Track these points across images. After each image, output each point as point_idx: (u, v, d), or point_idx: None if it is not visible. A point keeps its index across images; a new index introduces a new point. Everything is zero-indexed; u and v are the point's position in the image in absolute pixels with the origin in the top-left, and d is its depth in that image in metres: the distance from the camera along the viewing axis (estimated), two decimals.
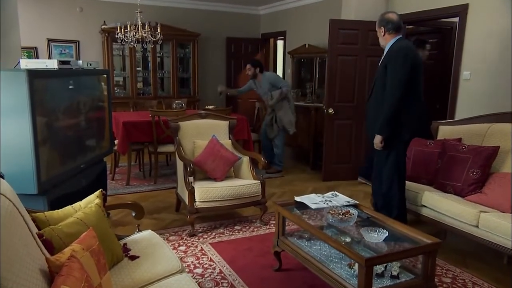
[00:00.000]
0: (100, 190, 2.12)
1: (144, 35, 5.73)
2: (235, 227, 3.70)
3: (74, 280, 1.36)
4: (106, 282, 1.65)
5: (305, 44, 6.98)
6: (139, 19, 5.67)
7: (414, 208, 3.41)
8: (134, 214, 2.40)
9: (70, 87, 2.97)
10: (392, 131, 3.11)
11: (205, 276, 2.79)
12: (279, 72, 8.54)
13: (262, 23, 8.64)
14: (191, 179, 3.53)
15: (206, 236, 3.47)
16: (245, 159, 3.91)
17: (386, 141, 3.15)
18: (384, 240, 2.32)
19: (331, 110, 5.13)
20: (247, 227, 3.71)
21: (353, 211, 2.60)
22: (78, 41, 7.09)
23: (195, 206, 3.42)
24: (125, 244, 2.15)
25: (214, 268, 2.90)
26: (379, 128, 3.10)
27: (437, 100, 5.82)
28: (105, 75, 3.62)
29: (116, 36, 5.85)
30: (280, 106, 5.49)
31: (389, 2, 5.26)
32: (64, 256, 1.49)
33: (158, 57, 7.53)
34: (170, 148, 4.84)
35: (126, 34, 5.68)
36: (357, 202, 2.87)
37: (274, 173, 5.61)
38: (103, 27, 6.88)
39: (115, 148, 4.71)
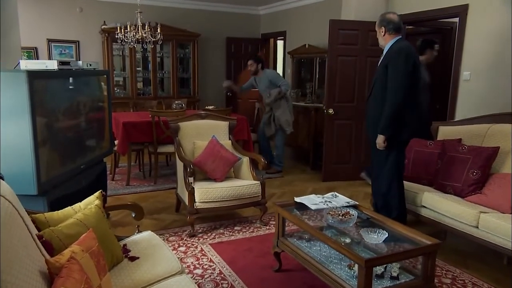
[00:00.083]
0: (100, 191, 2.12)
1: (144, 35, 5.73)
2: (235, 228, 3.70)
3: (73, 281, 1.36)
4: (106, 284, 1.65)
5: (305, 44, 6.98)
6: (139, 19, 5.66)
7: (414, 208, 3.41)
8: (134, 215, 2.40)
9: (70, 87, 2.97)
10: (394, 131, 3.12)
11: (205, 276, 2.79)
12: (279, 72, 8.54)
13: (262, 23, 8.64)
14: (191, 179, 3.53)
15: (206, 237, 3.47)
16: (245, 160, 3.91)
17: (387, 141, 3.15)
18: (384, 241, 2.32)
19: (331, 111, 5.13)
20: (247, 228, 3.71)
21: (353, 212, 2.60)
22: (78, 41, 7.09)
23: (195, 207, 3.42)
24: (125, 245, 2.15)
25: (214, 269, 2.90)
26: (382, 128, 3.11)
27: (437, 100, 5.82)
28: (105, 76, 3.61)
29: (116, 36, 5.85)
30: (278, 105, 5.49)
31: (389, 2, 5.26)
32: (64, 257, 1.49)
33: (158, 57, 7.54)
34: (170, 148, 4.84)
35: (126, 35, 5.68)
36: (357, 203, 2.87)
37: (274, 174, 5.61)
38: (103, 27, 6.88)
39: (115, 148, 4.71)
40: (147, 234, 2.32)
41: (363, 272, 2.00)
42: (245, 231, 3.63)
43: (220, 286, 2.68)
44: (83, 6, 7.02)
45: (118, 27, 5.77)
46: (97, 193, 2.10)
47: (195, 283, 2.68)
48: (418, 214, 3.40)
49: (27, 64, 2.65)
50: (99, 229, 1.87)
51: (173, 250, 3.18)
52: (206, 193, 3.42)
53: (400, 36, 3.22)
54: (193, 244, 3.31)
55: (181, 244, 3.31)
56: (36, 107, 2.42)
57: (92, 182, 3.28)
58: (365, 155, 5.21)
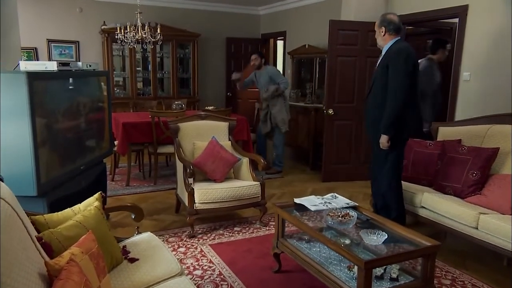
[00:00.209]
0: (99, 192, 2.12)
1: (144, 35, 5.72)
2: (235, 229, 3.70)
3: (73, 284, 1.36)
4: (105, 285, 1.65)
5: (305, 45, 6.97)
6: (139, 19, 5.66)
7: (413, 209, 3.41)
8: (133, 217, 2.40)
9: (70, 88, 2.97)
10: (396, 131, 3.13)
11: (205, 277, 2.79)
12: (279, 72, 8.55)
13: (262, 24, 8.64)
14: (190, 180, 3.53)
15: (206, 238, 3.47)
16: (245, 160, 3.91)
17: (390, 141, 3.16)
18: (384, 242, 2.32)
19: (331, 111, 5.14)
20: (247, 229, 3.71)
21: (353, 213, 2.60)
22: (78, 42, 7.09)
23: (194, 208, 3.42)
24: (124, 246, 2.15)
25: (214, 270, 2.90)
26: (385, 128, 3.12)
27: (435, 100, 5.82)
28: (105, 76, 3.61)
29: (116, 36, 5.85)
30: (275, 103, 5.49)
31: (388, 3, 5.26)
32: (63, 259, 1.49)
33: (158, 57, 7.54)
34: (170, 149, 4.84)
35: (126, 35, 5.67)
36: (357, 204, 2.87)
37: (274, 174, 5.61)
38: (103, 27, 6.88)
39: (115, 149, 4.71)
40: (146, 236, 2.32)
41: (362, 274, 2.00)
42: (245, 232, 3.63)
43: (220, 287, 2.68)
44: (83, 7, 7.02)
45: (118, 28, 5.77)
46: (96, 195, 2.10)
47: (195, 284, 2.68)
48: (418, 215, 3.39)
49: (26, 65, 2.65)
50: (98, 231, 1.87)
51: (172, 251, 3.18)
52: (205, 194, 3.42)
53: (399, 37, 3.24)
54: (192, 245, 3.31)
55: (181, 245, 3.31)
56: (35, 108, 2.43)
57: (92, 183, 3.28)
58: (365, 155, 5.22)
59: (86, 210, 1.97)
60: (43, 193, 2.55)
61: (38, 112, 2.46)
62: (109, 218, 3.67)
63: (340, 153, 5.32)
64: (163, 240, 3.30)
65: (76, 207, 2.03)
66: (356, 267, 2.15)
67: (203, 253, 3.17)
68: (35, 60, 6.74)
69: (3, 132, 2.41)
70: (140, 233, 2.38)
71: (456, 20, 4.58)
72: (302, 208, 2.82)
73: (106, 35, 6.82)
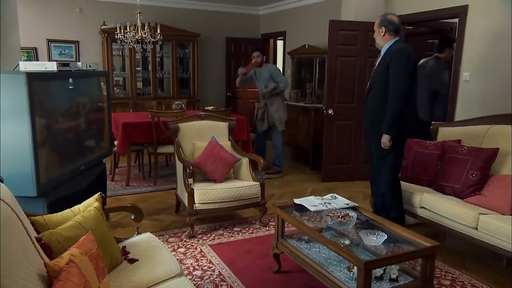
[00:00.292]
0: (99, 193, 2.12)
1: (144, 35, 5.72)
2: (235, 229, 3.70)
3: (72, 285, 1.36)
4: (105, 286, 1.65)
5: (305, 45, 6.97)
6: (138, 19, 5.66)
7: (413, 209, 3.41)
8: (133, 217, 2.40)
9: (70, 88, 2.97)
10: (397, 130, 3.15)
11: (204, 278, 2.79)
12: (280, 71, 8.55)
13: (262, 23, 8.64)
14: (190, 180, 3.53)
15: (206, 238, 3.47)
16: (245, 161, 3.91)
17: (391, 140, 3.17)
18: (383, 242, 2.32)
19: (331, 111, 5.14)
20: (247, 229, 3.71)
21: (352, 213, 2.60)
22: (78, 42, 7.09)
23: (194, 208, 3.42)
24: (124, 247, 2.15)
25: (213, 270, 2.90)
26: (387, 128, 3.13)
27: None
28: (105, 76, 3.61)
29: (116, 36, 5.85)
30: (273, 101, 5.50)
31: (388, 3, 5.26)
32: (63, 260, 1.49)
33: (158, 57, 7.54)
34: (169, 149, 4.84)
35: (125, 35, 5.67)
36: (356, 205, 2.87)
37: (273, 174, 5.61)
38: (102, 27, 6.88)
39: (115, 149, 4.72)
40: (146, 236, 2.32)
41: (362, 275, 2.00)
42: (245, 232, 3.63)
43: (219, 287, 2.68)
44: (83, 6, 7.02)
45: (117, 28, 5.76)
46: (96, 195, 2.09)
47: (195, 284, 2.69)
48: (417, 215, 3.39)
49: (26, 66, 2.65)
50: (98, 232, 1.87)
51: (172, 251, 3.18)
52: (205, 194, 3.42)
53: (398, 38, 3.25)
54: (192, 245, 3.31)
55: (181, 245, 3.31)
56: (35, 109, 2.43)
57: (92, 183, 3.28)
58: (365, 155, 5.21)
59: (85, 211, 1.97)
60: (43, 193, 2.55)
61: (37, 112, 2.47)
62: (109, 218, 3.67)
63: (340, 153, 5.32)
64: (162, 241, 3.31)
65: (76, 207, 2.03)
66: (355, 267, 2.15)
67: (202, 253, 3.17)
68: (35, 60, 6.74)
69: (2, 132, 2.41)
70: (140, 233, 2.38)
71: (456, 20, 4.58)
72: (301, 208, 2.82)
73: (106, 35, 6.82)
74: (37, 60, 6.77)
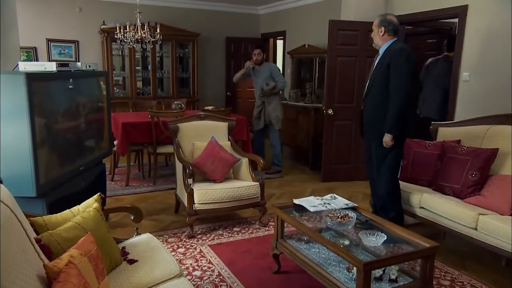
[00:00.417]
0: (98, 194, 2.11)
1: (144, 35, 5.72)
2: (234, 229, 3.70)
3: (71, 286, 1.36)
4: (105, 287, 1.65)
5: (305, 44, 6.97)
6: (138, 19, 5.66)
7: (413, 209, 3.41)
8: (132, 218, 2.40)
9: (69, 89, 2.96)
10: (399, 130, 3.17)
11: (204, 278, 2.79)
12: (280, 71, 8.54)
13: (261, 23, 8.64)
14: (190, 181, 3.53)
15: (205, 238, 3.47)
16: (244, 161, 3.91)
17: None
18: (383, 243, 2.32)
19: (330, 111, 5.13)
20: (246, 229, 3.71)
21: (352, 214, 2.60)
22: (78, 41, 7.09)
23: (194, 208, 3.42)
24: (123, 247, 2.15)
25: (213, 271, 2.90)
26: (389, 127, 3.13)
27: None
28: (104, 76, 3.60)
29: (116, 36, 5.85)
30: (270, 100, 5.50)
31: (388, 3, 5.26)
32: (62, 262, 1.49)
33: (158, 57, 7.53)
34: (169, 149, 4.83)
35: (125, 35, 5.67)
36: (356, 205, 2.87)
37: (273, 174, 5.61)
38: (102, 27, 6.88)
39: (115, 149, 4.71)
40: (146, 237, 2.32)
41: (361, 275, 2.00)
42: (244, 232, 3.63)
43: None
44: (83, 6, 7.02)
45: (117, 27, 5.76)
46: (95, 196, 2.09)
47: (194, 285, 2.69)
48: (417, 215, 3.39)
49: (25, 66, 2.64)
50: (97, 232, 1.87)
51: (172, 251, 3.18)
52: (205, 194, 3.42)
53: (397, 38, 3.26)
54: (192, 246, 3.31)
55: (180, 246, 3.31)
56: (34, 109, 2.43)
57: (91, 183, 3.28)
58: (365, 155, 5.21)
59: (85, 212, 1.97)
60: (42, 194, 2.55)
61: (37, 112, 2.46)
62: (109, 218, 3.67)
63: (340, 153, 5.32)
64: (162, 241, 3.31)
65: (75, 208, 2.03)
66: (355, 268, 2.15)
67: (202, 253, 3.17)
68: (34, 60, 6.74)
69: (2, 133, 2.41)
70: (140, 234, 2.38)
71: (456, 20, 4.58)
72: (301, 208, 2.82)
73: (105, 34, 6.82)
74: (37, 60, 6.77)
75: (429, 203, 3.24)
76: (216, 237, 3.50)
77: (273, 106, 5.50)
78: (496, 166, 3.21)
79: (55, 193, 2.72)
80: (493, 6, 4.08)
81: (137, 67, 7.40)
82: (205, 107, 5.76)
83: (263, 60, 5.58)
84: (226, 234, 3.58)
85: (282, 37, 8.06)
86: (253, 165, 3.93)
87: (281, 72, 7.95)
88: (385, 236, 2.34)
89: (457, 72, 4.45)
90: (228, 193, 3.48)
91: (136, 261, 2.04)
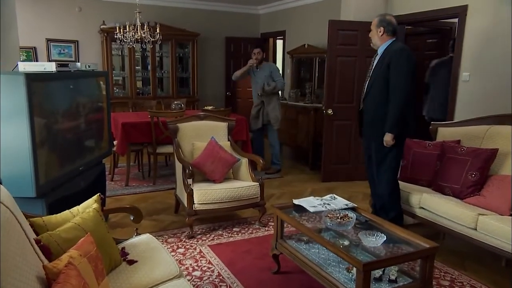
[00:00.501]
0: (98, 194, 2.11)
1: (143, 35, 5.72)
2: (234, 229, 3.70)
3: (71, 287, 1.36)
4: None
5: (305, 44, 6.97)
6: (138, 19, 5.65)
7: (412, 209, 3.41)
8: (132, 218, 2.40)
9: (69, 89, 2.96)
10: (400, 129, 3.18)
11: (204, 279, 2.79)
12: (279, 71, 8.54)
13: (261, 23, 8.64)
14: (189, 181, 3.52)
15: (205, 238, 3.47)
16: (244, 161, 3.91)
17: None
18: (382, 243, 2.32)
19: (330, 111, 5.13)
20: (246, 229, 3.71)
21: (351, 214, 2.60)
22: (77, 41, 7.08)
23: (194, 208, 3.42)
24: (123, 248, 2.15)
25: (213, 271, 2.90)
26: (390, 126, 3.14)
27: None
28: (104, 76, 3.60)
29: (115, 36, 5.85)
30: (270, 100, 5.50)
31: (388, 3, 5.25)
32: (62, 263, 1.49)
33: (157, 57, 7.53)
34: (169, 148, 4.83)
35: (125, 34, 5.67)
36: (356, 205, 2.87)
37: (273, 174, 5.62)
38: (102, 27, 6.88)
39: (114, 149, 4.71)
40: (145, 237, 2.32)
41: (361, 276, 2.00)
42: (244, 233, 3.63)
43: None
44: (82, 6, 7.01)
45: (117, 27, 5.76)
46: (95, 197, 2.09)
47: (194, 285, 2.69)
48: (416, 215, 3.39)
49: (25, 66, 2.64)
50: (97, 233, 1.87)
51: (171, 251, 3.18)
52: (205, 194, 3.42)
53: (395, 39, 3.27)
54: (192, 246, 3.31)
55: (180, 246, 3.31)
56: (34, 109, 2.42)
57: (91, 184, 3.28)
58: (364, 155, 5.21)
59: (84, 212, 1.97)
60: (42, 194, 2.55)
61: (36, 113, 2.46)
62: (108, 219, 3.67)
63: (340, 153, 5.32)
64: (162, 241, 3.31)
65: (75, 209, 2.03)
66: (354, 268, 2.15)
67: (202, 254, 3.17)
68: (34, 60, 6.73)
69: (2, 133, 2.41)
70: (139, 234, 2.38)
71: (456, 20, 4.58)
72: (301, 209, 2.82)
73: (105, 34, 6.81)
74: (37, 59, 6.76)
75: (429, 203, 3.24)
76: (216, 238, 3.50)
77: (272, 106, 5.51)
78: (495, 166, 3.21)
79: (55, 193, 2.72)
80: (493, 6, 4.08)
81: (136, 67, 7.39)
82: (205, 107, 5.76)
83: (263, 60, 5.58)
84: (226, 234, 3.58)
85: (282, 37, 8.05)
86: (252, 165, 3.93)
87: (281, 72, 8.00)
88: (385, 236, 2.34)
89: (457, 72, 4.45)
90: (227, 193, 3.48)
91: (136, 261, 2.04)
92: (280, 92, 5.88)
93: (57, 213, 2.00)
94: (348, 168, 5.36)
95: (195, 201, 3.41)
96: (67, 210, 2.02)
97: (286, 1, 7.57)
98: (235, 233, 3.62)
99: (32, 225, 1.79)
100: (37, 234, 1.76)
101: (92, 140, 3.40)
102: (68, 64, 2.97)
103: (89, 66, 3.28)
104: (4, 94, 2.36)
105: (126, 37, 5.67)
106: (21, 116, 2.39)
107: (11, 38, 3.86)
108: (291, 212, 2.82)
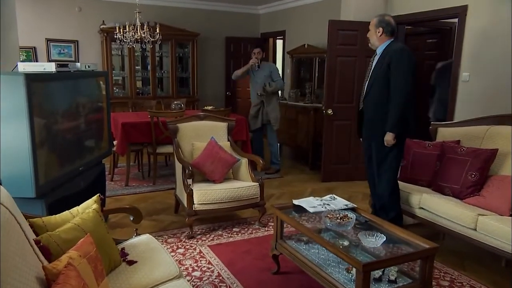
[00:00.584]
0: (97, 195, 2.11)
1: (143, 35, 5.71)
2: (234, 229, 3.70)
3: None
4: None
5: (304, 44, 6.97)
6: (138, 19, 5.65)
7: (412, 210, 3.41)
8: (132, 219, 2.40)
9: (69, 89, 2.96)
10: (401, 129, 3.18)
11: (203, 279, 2.79)
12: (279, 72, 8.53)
13: (261, 23, 8.63)
14: (189, 181, 3.52)
15: (205, 238, 3.47)
16: (244, 161, 3.91)
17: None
18: (382, 244, 2.32)
19: (330, 111, 5.13)
20: (246, 229, 3.71)
21: (351, 215, 2.60)
22: (77, 41, 7.08)
23: (193, 209, 3.42)
24: (123, 248, 2.15)
25: (213, 271, 2.90)
26: (392, 126, 3.14)
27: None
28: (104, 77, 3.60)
29: (115, 36, 5.84)
30: (270, 100, 5.51)
31: (388, 3, 5.25)
32: (61, 263, 1.49)
33: (157, 56, 7.53)
34: (169, 149, 4.83)
35: (125, 34, 5.66)
36: (355, 206, 2.87)
37: (273, 173, 5.62)
38: (102, 27, 6.87)
39: (114, 149, 4.71)
40: (145, 238, 2.32)
41: (360, 276, 2.00)
42: (244, 233, 3.63)
43: None
44: (82, 6, 7.01)
45: (117, 27, 5.76)
46: (95, 197, 2.09)
47: (194, 286, 2.69)
48: (416, 216, 3.39)
49: (25, 67, 2.64)
50: (96, 234, 1.86)
51: (171, 252, 3.18)
52: (204, 195, 3.42)
53: (393, 39, 3.28)
54: (191, 246, 3.31)
55: (180, 246, 3.31)
56: (34, 110, 2.42)
57: (91, 184, 3.28)
58: (364, 156, 5.21)
59: (84, 213, 1.97)
60: (42, 194, 2.55)
61: (36, 113, 2.46)
62: (108, 219, 3.67)
63: (340, 153, 5.32)
64: (162, 241, 3.32)
65: (75, 209, 2.03)
66: (354, 269, 2.15)
67: (202, 254, 3.17)
68: (34, 60, 6.73)
69: (1, 133, 2.40)
70: (139, 234, 2.38)
71: (456, 20, 4.58)
72: (300, 209, 2.82)
73: (105, 34, 6.81)
74: (36, 59, 6.76)
75: (429, 203, 3.24)
76: (216, 238, 3.50)
77: (272, 106, 5.51)
78: (495, 166, 3.21)
79: (55, 193, 2.72)
80: (493, 6, 4.08)
81: (136, 67, 7.39)
82: (205, 107, 5.75)
83: (262, 60, 5.58)
84: (226, 234, 3.58)
85: (282, 37, 8.05)
86: (252, 165, 3.93)
87: (281, 72, 8.00)
88: (385, 237, 2.34)
89: (457, 72, 4.45)
90: (227, 193, 3.48)
91: (136, 262, 2.04)
92: (279, 92, 5.89)
93: (57, 213, 2.00)
94: (348, 168, 5.36)
95: (195, 201, 3.41)
96: (66, 211, 2.02)
97: (286, 1, 7.56)
98: (235, 233, 3.62)
99: (31, 225, 1.79)
100: (36, 235, 1.76)
101: (92, 140, 3.40)
102: (67, 64, 2.97)
103: (88, 66, 3.28)
104: (4, 94, 2.36)
105: (126, 37, 5.67)
106: (21, 117, 2.39)
107: (11, 38, 3.86)
108: (290, 213, 2.82)
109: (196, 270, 2.91)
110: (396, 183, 3.37)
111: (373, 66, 3.34)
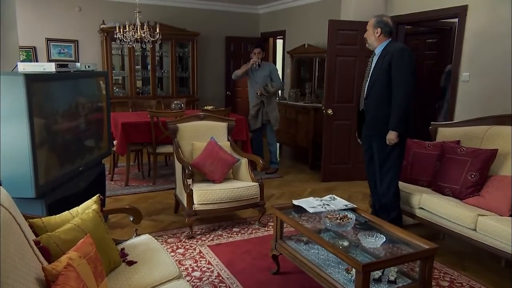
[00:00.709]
0: (97, 195, 2.11)
1: (143, 34, 5.71)
2: (234, 229, 3.70)
3: None
4: None
5: (305, 44, 6.97)
6: (138, 18, 5.65)
7: (412, 210, 3.41)
8: (132, 219, 2.40)
9: (69, 89, 2.96)
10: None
11: (203, 279, 2.79)
12: (279, 72, 8.53)
13: (261, 23, 8.63)
14: (189, 181, 3.52)
15: (205, 239, 3.48)
16: (244, 161, 3.91)
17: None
18: (382, 244, 2.32)
19: (330, 111, 5.13)
20: (246, 229, 3.71)
21: (351, 215, 2.60)
22: (77, 41, 7.08)
23: (193, 209, 3.42)
24: (122, 249, 2.15)
25: (212, 271, 2.90)
26: (394, 124, 3.14)
27: (436, 100, 5.83)
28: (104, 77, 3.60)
29: (115, 36, 5.84)
30: (270, 101, 5.54)
31: (388, 3, 5.25)
32: (61, 264, 1.49)
33: (157, 56, 7.53)
34: (169, 148, 4.83)
35: (125, 34, 5.66)
36: (355, 206, 2.87)
37: (273, 173, 5.62)
38: (102, 26, 6.87)
39: (114, 149, 4.71)
40: (145, 238, 2.32)
41: (360, 277, 2.00)
42: (244, 233, 3.63)
43: None
44: (82, 6, 7.01)
45: (117, 27, 5.76)
46: (94, 197, 2.09)
47: (193, 286, 2.69)
48: (416, 216, 3.39)
49: (24, 67, 2.64)
50: (96, 234, 1.86)
51: (171, 252, 3.18)
52: (204, 195, 3.42)
53: (391, 39, 3.29)
54: (191, 246, 3.31)
55: (180, 246, 3.31)
56: (33, 110, 2.42)
57: (91, 184, 3.28)
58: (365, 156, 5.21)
59: (84, 213, 1.97)
60: (42, 194, 2.55)
61: (36, 113, 2.46)
62: (108, 219, 3.67)
63: (340, 153, 5.32)
64: (161, 241, 3.32)
65: (74, 210, 2.03)
66: (354, 269, 2.15)
67: (201, 254, 3.18)
68: (34, 60, 6.73)
69: (1, 134, 2.40)
70: (139, 235, 2.38)
71: (456, 20, 4.57)
72: (300, 209, 2.82)
73: (105, 34, 6.81)
74: (36, 59, 6.76)
75: (429, 203, 3.24)
76: (216, 238, 3.50)
77: (272, 106, 5.53)
78: (495, 166, 3.21)
79: (55, 194, 2.72)
80: (493, 6, 4.08)
81: (136, 67, 7.39)
82: (205, 107, 5.75)
83: (262, 59, 5.58)
84: (226, 234, 3.58)
85: (282, 37, 8.05)
86: (252, 165, 3.93)
87: (281, 72, 8.00)
88: (384, 237, 2.34)
89: (457, 72, 4.45)
90: (227, 193, 3.48)
91: (135, 262, 2.04)
92: (279, 92, 5.91)
93: (56, 213, 2.00)
94: (347, 168, 5.36)
95: (195, 201, 3.41)
96: (66, 211, 2.02)
97: (286, 1, 7.56)
98: (234, 233, 3.62)
99: (31, 226, 1.79)
100: (36, 235, 1.76)
101: (91, 140, 3.40)
102: (67, 64, 2.97)
103: (88, 66, 3.28)
104: (4, 94, 2.36)
105: (126, 36, 5.66)
106: (21, 117, 2.39)
107: (11, 38, 3.86)
108: (290, 213, 2.82)
109: (196, 270, 2.91)
110: (396, 183, 3.36)
111: (372, 66, 3.34)
